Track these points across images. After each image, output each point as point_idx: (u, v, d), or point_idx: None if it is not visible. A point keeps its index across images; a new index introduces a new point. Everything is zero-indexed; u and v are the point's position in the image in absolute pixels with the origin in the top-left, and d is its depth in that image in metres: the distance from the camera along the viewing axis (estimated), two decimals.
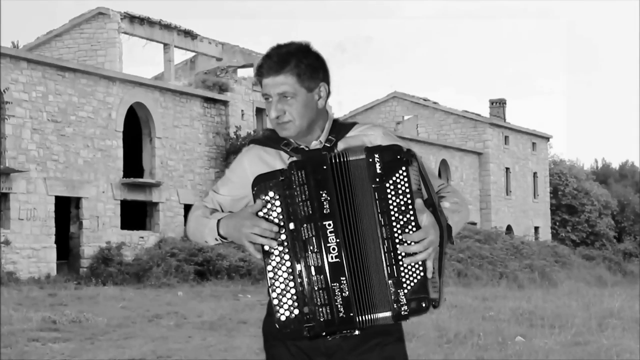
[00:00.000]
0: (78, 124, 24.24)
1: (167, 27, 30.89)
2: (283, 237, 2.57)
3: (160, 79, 31.59)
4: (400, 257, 2.55)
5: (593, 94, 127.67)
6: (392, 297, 2.54)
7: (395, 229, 2.55)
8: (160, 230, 26.48)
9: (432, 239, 2.56)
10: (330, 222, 2.53)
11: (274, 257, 2.58)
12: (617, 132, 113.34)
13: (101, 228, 24.55)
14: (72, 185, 23.89)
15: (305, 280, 2.55)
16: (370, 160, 2.56)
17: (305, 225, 2.54)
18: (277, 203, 2.59)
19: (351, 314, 2.53)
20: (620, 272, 41.60)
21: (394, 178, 2.56)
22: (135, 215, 26.69)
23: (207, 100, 28.93)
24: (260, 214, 2.60)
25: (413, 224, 2.56)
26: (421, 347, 10.12)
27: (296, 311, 2.55)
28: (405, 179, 2.56)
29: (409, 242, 2.55)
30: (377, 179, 2.55)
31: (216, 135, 29.14)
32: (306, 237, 2.54)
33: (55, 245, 23.17)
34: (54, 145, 23.44)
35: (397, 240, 2.55)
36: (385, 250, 2.55)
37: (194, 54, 34.42)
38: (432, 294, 2.57)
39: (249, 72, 34.32)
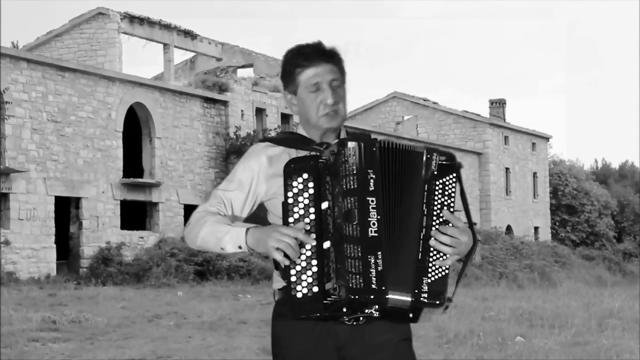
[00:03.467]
0: (78, 124, 24.24)
1: (167, 27, 30.90)
2: (312, 217, 2.58)
3: (160, 79, 31.59)
4: (432, 249, 2.62)
5: (593, 94, 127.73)
6: (415, 282, 2.59)
7: (435, 222, 2.63)
8: (160, 230, 26.48)
9: (465, 241, 2.64)
10: (374, 198, 2.56)
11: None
12: (617, 132, 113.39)
13: (101, 228, 24.55)
14: (72, 186, 23.89)
15: (333, 256, 2.54)
16: (429, 156, 2.65)
17: (348, 198, 2.55)
18: (311, 184, 2.60)
19: (383, 288, 2.53)
20: (620, 272, 41.58)
21: (444, 179, 2.66)
22: (135, 215, 26.68)
23: (207, 100, 28.93)
24: (290, 194, 2.60)
25: (451, 224, 2.65)
26: (421, 347, 10.11)
27: (315, 289, 2.55)
28: (454, 184, 2.67)
29: (443, 233, 2.62)
30: (431, 175, 2.64)
31: (216, 136, 29.14)
32: (348, 209, 2.55)
33: (55, 246, 23.17)
34: (53, 146, 23.44)
35: (433, 232, 2.62)
36: (421, 237, 2.61)
37: (193, 54, 34.43)
38: (448, 293, 2.63)
39: (249, 72, 34.34)
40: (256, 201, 2.84)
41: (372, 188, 2.56)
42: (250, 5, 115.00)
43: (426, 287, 2.59)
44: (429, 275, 2.60)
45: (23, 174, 22.38)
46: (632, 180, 56.55)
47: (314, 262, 2.55)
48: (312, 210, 2.58)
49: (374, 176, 2.57)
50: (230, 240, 2.66)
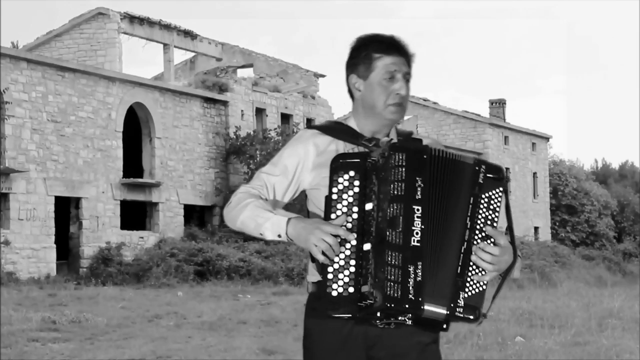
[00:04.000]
0: (78, 124, 24.25)
1: (167, 27, 30.90)
2: (355, 216, 2.57)
3: (160, 79, 31.59)
4: (472, 263, 2.62)
5: (593, 94, 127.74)
6: (452, 295, 2.58)
7: (477, 237, 2.62)
8: (160, 230, 26.48)
9: (505, 258, 2.65)
10: (420, 207, 2.55)
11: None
12: (617, 132, 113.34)
13: (101, 228, 24.55)
14: (72, 186, 23.89)
15: (373, 259, 2.54)
16: (477, 168, 2.63)
17: (394, 204, 2.54)
18: (356, 183, 2.58)
19: (420, 299, 2.52)
20: (620, 272, 41.54)
21: (490, 193, 2.64)
22: (135, 215, 26.69)
23: (207, 100, 28.94)
24: (335, 190, 2.59)
25: (493, 240, 2.64)
26: None
27: (351, 289, 2.54)
28: (499, 198, 2.65)
29: (485, 250, 2.62)
30: (477, 188, 2.62)
31: (216, 136, 29.14)
32: (392, 215, 2.54)
33: (55, 246, 23.18)
34: (53, 146, 23.45)
35: (473, 247, 2.62)
36: (462, 251, 2.60)
37: (193, 54, 34.43)
38: (484, 308, 2.64)
39: (249, 72, 34.35)
40: (298, 189, 2.84)
41: (419, 196, 2.54)
42: (250, 5, 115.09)
43: (462, 302, 2.59)
44: (467, 289, 2.60)
45: (23, 174, 22.39)
46: (632, 180, 56.56)
47: (352, 262, 2.54)
48: (355, 209, 2.57)
49: (422, 184, 2.55)
50: (270, 227, 2.66)
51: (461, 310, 2.58)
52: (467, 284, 2.60)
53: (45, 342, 10.91)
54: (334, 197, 2.59)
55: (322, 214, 2.65)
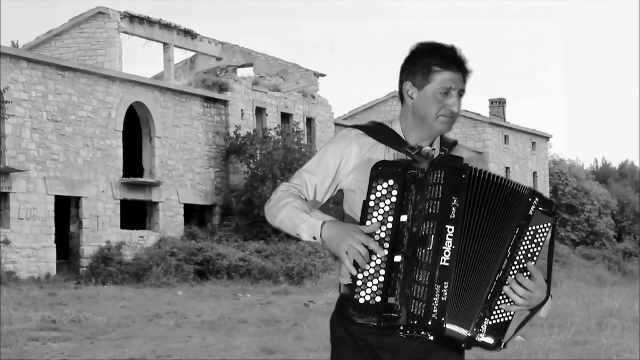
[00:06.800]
0: (78, 123, 24.25)
1: (167, 27, 30.89)
2: (390, 226, 2.58)
3: (160, 78, 31.58)
4: (503, 292, 2.62)
5: (593, 93, 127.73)
6: (476, 320, 2.60)
7: (514, 268, 2.63)
8: (160, 230, 26.48)
9: (538, 296, 2.66)
10: (453, 227, 2.55)
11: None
12: (617, 132, 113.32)
13: (101, 228, 24.55)
14: (72, 185, 23.89)
15: (402, 272, 2.56)
16: (530, 199, 2.63)
17: (428, 222, 2.56)
18: (395, 193, 2.59)
19: (442, 319, 2.54)
20: (620, 271, 41.54)
21: (537, 227, 2.65)
22: (135, 215, 26.69)
23: (207, 100, 28.93)
24: (373, 197, 2.60)
25: (529, 274, 2.65)
26: None
27: (378, 299, 2.56)
28: (545, 234, 2.66)
29: (519, 283, 2.63)
30: (526, 219, 2.63)
31: (216, 135, 29.14)
32: (424, 233, 2.56)
33: (55, 245, 23.18)
34: (54, 145, 23.45)
35: (509, 277, 2.63)
36: (496, 279, 2.61)
37: (194, 53, 34.42)
38: (505, 338, 2.65)
39: (249, 72, 34.34)
40: (337, 188, 2.87)
41: (453, 216, 2.55)
42: (250, 5, 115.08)
43: (485, 328, 2.60)
44: (492, 317, 2.62)
45: (23, 174, 22.39)
46: (632, 180, 56.51)
47: (383, 272, 2.56)
48: (390, 219, 2.58)
49: (457, 204, 2.55)
50: (306, 229, 2.70)
51: (482, 336, 2.60)
52: (495, 312, 2.62)
53: (46, 342, 10.92)
54: (372, 204, 2.60)
55: (356, 218, 2.69)
